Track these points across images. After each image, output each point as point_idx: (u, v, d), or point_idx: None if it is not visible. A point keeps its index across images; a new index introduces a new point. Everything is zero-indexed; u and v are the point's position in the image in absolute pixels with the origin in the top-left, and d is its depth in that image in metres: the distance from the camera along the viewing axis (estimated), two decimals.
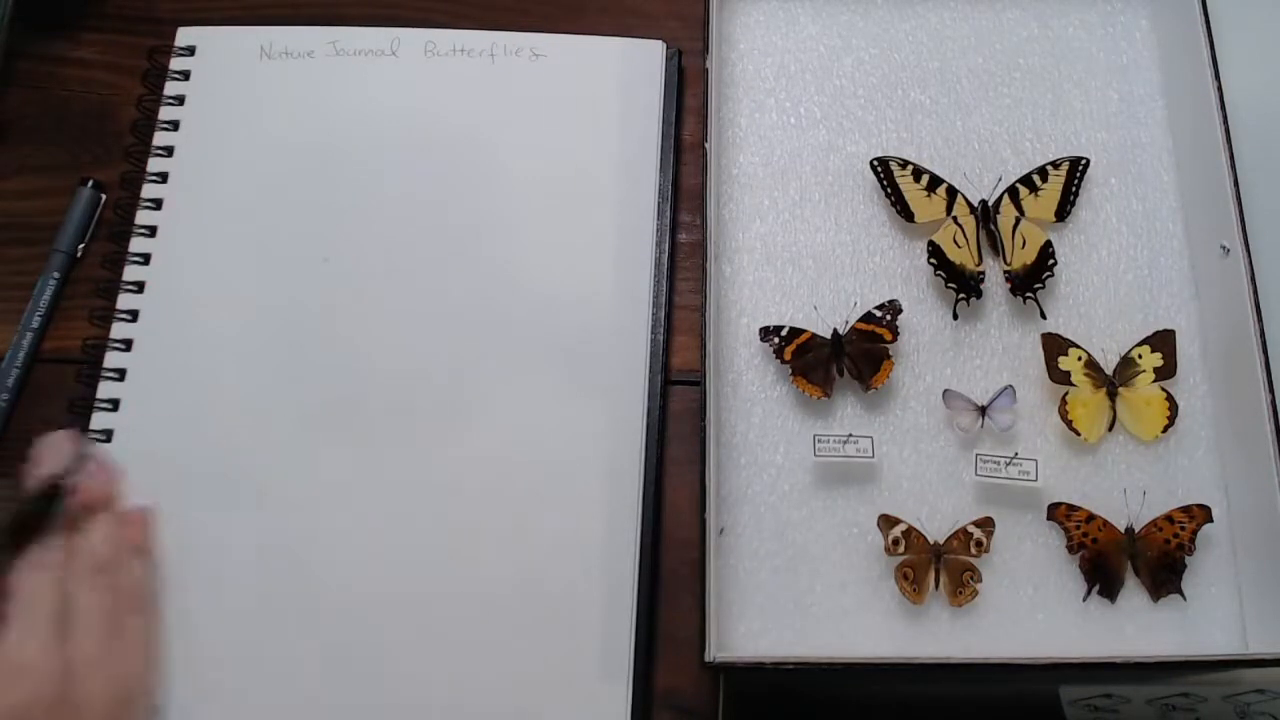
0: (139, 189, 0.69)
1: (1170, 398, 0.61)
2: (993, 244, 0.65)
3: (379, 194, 0.69)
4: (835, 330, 0.63)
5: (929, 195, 0.66)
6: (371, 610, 0.61)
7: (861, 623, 0.59)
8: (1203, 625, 0.59)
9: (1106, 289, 0.65)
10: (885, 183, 0.66)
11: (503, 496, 0.62)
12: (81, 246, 0.70)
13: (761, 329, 0.63)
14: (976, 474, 0.60)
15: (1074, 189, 0.66)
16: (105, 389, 0.65)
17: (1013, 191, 0.66)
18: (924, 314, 0.65)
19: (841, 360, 0.62)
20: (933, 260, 0.64)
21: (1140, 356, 0.62)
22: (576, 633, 0.60)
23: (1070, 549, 0.59)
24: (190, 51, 0.73)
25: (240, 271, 0.68)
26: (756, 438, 0.63)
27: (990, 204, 0.65)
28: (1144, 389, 0.62)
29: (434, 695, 0.59)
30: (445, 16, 0.74)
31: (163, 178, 0.70)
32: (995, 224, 0.65)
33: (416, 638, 0.60)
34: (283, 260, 0.68)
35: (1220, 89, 0.63)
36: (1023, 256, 0.64)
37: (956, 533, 0.59)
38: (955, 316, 0.64)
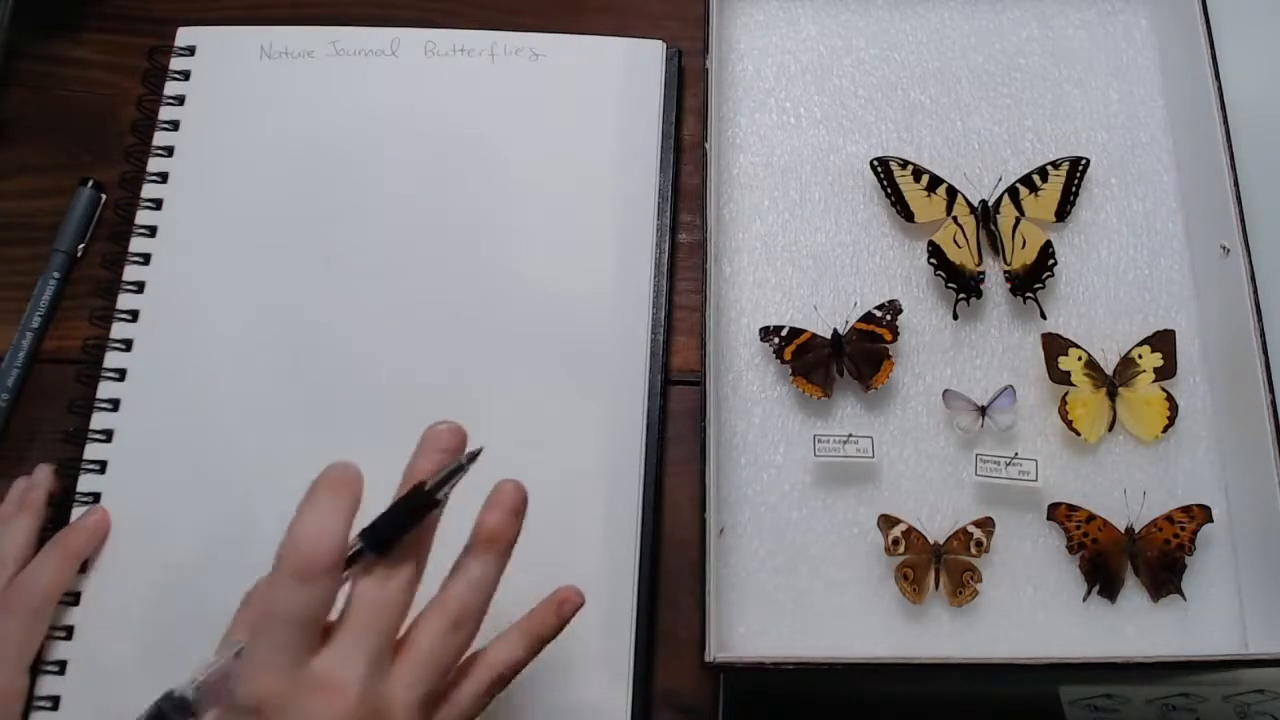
0: (139, 189, 0.69)
1: (1170, 398, 0.61)
2: (993, 244, 0.65)
3: (379, 194, 0.69)
4: (835, 330, 0.63)
5: (929, 195, 0.66)
6: None
7: (861, 623, 0.59)
8: (1203, 625, 0.59)
9: (1106, 289, 0.65)
10: (885, 183, 0.66)
11: None
12: (81, 246, 0.70)
13: (761, 329, 0.63)
14: (976, 474, 0.60)
15: (1074, 189, 0.66)
16: (105, 389, 0.65)
17: (1013, 191, 0.66)
18: (924, 314, 0.65)
19: (841, 360, 0.62)
20: (933, 260, 0.64)
21: (1140, 356, 0.62)
22: (577, 633, 0.60)
23: (1070, 549, 0.59)
24: (190, 51, 0.73)
25: (240, 271, 0.68)
26: (756, 438, 0.63)
27: (990, 204, 0.65)
28: (1144, 389, 0.62)
29: None
30: (445, 16, 0.74)
31: (163, 178, 0.70)
32: (995, 224, 0.65)
33: None
34: (282, 260, 0.68)
35: (1220, 89, 0.63)
36: (1023, 256, 0.64)
37: (956, 533, 0.59)
38: (955, 316, 0.64)
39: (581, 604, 0.52)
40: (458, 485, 0.48)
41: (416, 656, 0.46)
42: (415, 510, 0.47)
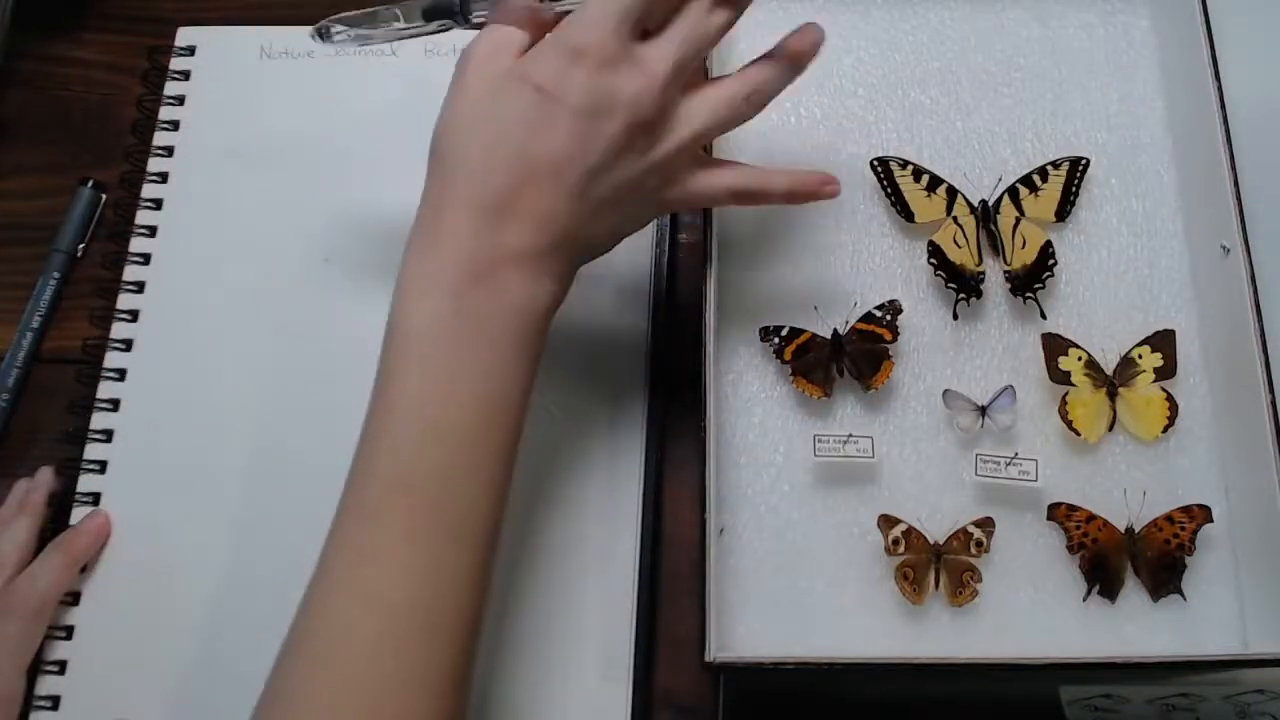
0: (139, 189, 0.70)
1: (1170, 398, 0.61)
2: (993, 244, 0.65)
3: (378, 194, 0.69)
4: (835, 330, 0.63)
5: (929, 195, 0.66)
6: None
7: (861, 623, 0.59)
8: (1203, 625, 0.58)
9: (1106, 289, 0.65)
10: (885, 183, 0.66)
11: None
12: (81, 246, 0.70)
13: (761, 329, 0.63)
14: (976, 474, 0.60)
15: (1074, 189, 0.66)
16: (105, 389, 0.65)
17: (1013, 191, 0.66)
18: (924, 314, 0.65)
19: (841, 360, 0.62)
20: (933, 260, 0.64)
21: (1140, 356, 0.62)
22: (576, 633, 0.60)
23: (1070, 549, 0.59)
24: (190, 51, 0.73)
25: (240, 271, 0.68)
26: (756, 438, 0.62)
27: (990, 204, 0.65)
28: (1144, 389, 0.62)
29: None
30: None
31: (163, 178, 0.70)
32: (995, 224, 0.65)
33: None
34: (283, 260, 0.68)
35: (1220, 89, 0.63)
36: (1023, 256, 0.64)
37: (956, 533, 0.59)
38: (955, 316, 0.64)
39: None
40: None
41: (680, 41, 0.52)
42: None
